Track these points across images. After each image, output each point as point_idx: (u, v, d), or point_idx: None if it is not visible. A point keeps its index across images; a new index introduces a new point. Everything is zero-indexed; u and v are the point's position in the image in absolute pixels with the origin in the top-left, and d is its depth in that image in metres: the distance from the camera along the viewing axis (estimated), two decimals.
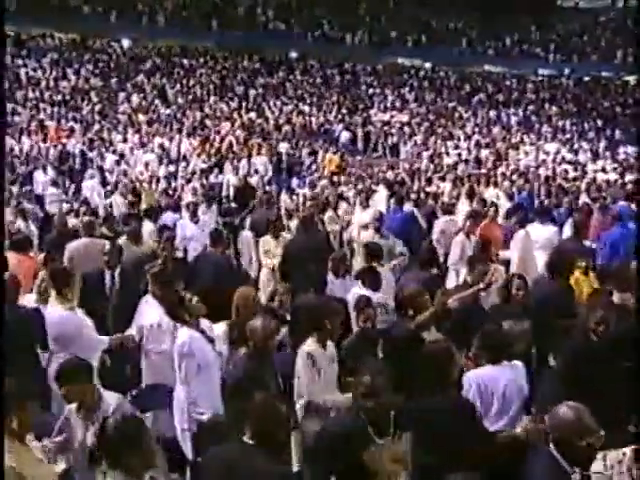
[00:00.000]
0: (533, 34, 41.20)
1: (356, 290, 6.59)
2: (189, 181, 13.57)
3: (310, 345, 5.12)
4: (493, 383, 4.69)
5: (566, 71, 39.18)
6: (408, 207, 10.66)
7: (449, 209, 10.36)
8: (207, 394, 5.05)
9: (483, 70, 38.65)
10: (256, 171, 15.85)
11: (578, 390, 4.42)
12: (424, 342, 5.12)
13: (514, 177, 15.74)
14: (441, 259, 8.96)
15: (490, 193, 12.90)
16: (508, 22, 40.08)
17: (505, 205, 11.68)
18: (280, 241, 8.50)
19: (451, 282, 8.13)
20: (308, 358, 5.03)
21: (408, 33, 39.08)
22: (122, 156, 16.34)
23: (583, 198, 13.24)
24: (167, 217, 10.08)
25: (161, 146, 18.08)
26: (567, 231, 9.75)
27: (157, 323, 5.73)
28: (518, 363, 4.91)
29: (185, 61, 31.72)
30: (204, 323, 5.54)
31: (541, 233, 9.24)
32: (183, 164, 16.04)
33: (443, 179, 15.17)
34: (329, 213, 10.42)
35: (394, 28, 38.85)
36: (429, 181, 14.68)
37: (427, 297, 5.72)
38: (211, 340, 5.38)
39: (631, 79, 37.47)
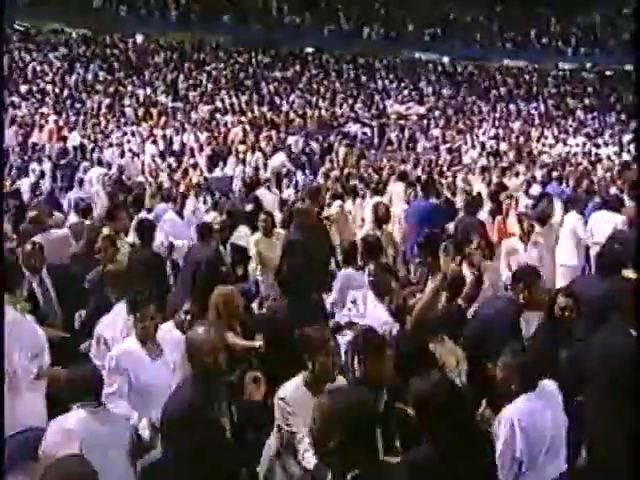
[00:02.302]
0: (553, 27, 40.34)
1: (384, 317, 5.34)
2: (186, 173, 12.89)
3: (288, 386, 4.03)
4: (540, 422, 3.67)
5: (588, 65, 38.29)
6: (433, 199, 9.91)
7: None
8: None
9: (502, 64, 37.82)
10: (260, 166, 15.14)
11: None
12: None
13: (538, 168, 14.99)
14: None
15: (513, 183, 12.19)
16: (528, 15, 39.25)
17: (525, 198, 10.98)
18: (274, 241, 7.71)
19: None
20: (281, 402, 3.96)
21: (425, 27, 38.32)
22: (122, 151, 15.71)
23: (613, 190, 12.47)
24: (159, 209, 9.41)
25: (164, 139, 17.53)
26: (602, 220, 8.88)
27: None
28: (552, 387, 3.89)
29: (197, 55, 31.18)
30: (165, 328, 4.85)
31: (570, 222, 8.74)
32: (186, 157, 15.41)
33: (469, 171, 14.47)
34: (336, 205, 9.62)
35: (411, 22, 38.12)
36: (441, 174, 13.93)
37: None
38: (157, 354, 4.60)
39: None
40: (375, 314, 5.34)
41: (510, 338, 4.36)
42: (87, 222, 7.32)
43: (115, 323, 4.84)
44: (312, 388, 3.89)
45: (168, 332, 4.90)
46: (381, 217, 8.01)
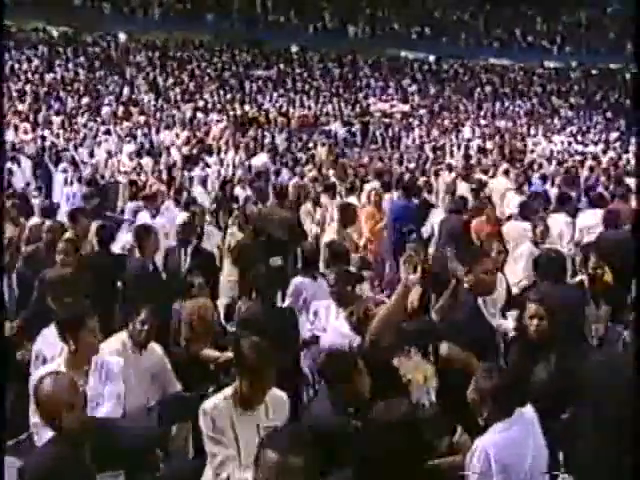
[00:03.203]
0: (539, 25, 40.21)
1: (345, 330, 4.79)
2: (162, 172, 12.51)
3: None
4: (517, 452, 3.27)
5: (573, 63, 38.22)
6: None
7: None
8: None
9: (488, 63, 37.66)
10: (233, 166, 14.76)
11: None
12: None
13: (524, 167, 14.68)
14: None
15: (498, 183, 11.85)
16: (513, 13, 39.12)
17: (515, 197, 10.67)
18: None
19: None
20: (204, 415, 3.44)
21: (411, 25, 38.08)
22: (92, 150, 15.29)
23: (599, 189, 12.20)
24: (130, 209, 9.04)
25: (144, 138, 17.13)
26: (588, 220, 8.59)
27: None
28: (531, 413, 3.42)
29: (180, 54, 30.80)
30: (111, 345, 4.42)
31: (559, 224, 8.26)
32: (164, 156, 15.03)
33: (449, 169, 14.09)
34: (307, 206, 9.22)
35: (397, 20, 37.89)
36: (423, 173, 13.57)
37: None
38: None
39: None
40: (336, 327, 4.90)
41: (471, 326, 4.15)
42: (47, 223, 6.90)
43: (56, 339, 4.13)
44: (240, 401, 3.42)
45: (111, 352, 4.29)
46: (347, 219, 7.61)
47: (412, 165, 15.07)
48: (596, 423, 3.56)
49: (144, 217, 8.14)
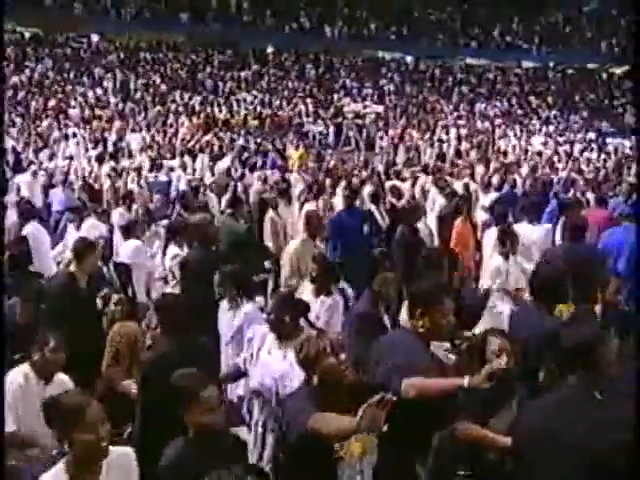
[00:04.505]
0: (516, 25, 40.07)
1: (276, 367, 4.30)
2: (119, 178, 11.94)
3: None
4: None
5: (551, 63, 38.14)
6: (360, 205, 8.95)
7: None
8: None
9: (465, 62, 37.45)
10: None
11: None
12: None
13: (494, 170, 14.25)
14: None
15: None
16: (490, 14, 38.95)
17: (484, 200, 10.30)
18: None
19: None
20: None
21: (388, 26, 37.78)
22: (52, 154, 14.71)
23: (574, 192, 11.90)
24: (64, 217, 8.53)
25: (108, 141, 16.59)
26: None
27: None
28: None
29: (150, 55, 30.26)
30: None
31: (530, 235, 7.51)
32: (128, 160, 14.48)
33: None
34: (269, 214, 8.51)
35: (374, 20, 37.57)
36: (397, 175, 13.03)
37: None
38: None
39: (617, 70, 36.66)
40: (267, 363, 4.24)
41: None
42: None
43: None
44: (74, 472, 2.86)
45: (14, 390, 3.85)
46: (314, 227, 6.89)
47: (381, 168, 14.54)
48: None
49: (71, 229, 7.67)
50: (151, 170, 13.31)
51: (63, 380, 4.18)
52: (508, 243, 6.63)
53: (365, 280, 5.70)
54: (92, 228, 7.74)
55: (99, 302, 5.14)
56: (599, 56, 38.07)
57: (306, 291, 5.59)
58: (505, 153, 20.57)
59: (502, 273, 6.43)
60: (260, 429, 4.26)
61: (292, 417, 3.20)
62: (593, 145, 24.15)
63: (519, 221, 7.93)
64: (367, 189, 10.13)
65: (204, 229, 6.40)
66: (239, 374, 4.64)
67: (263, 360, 4.42)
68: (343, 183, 10.82)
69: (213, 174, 13.39)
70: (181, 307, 4.44)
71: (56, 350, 4.07)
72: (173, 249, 6.94)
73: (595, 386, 2.88)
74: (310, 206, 8.87)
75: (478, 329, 5.23)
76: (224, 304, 5.40)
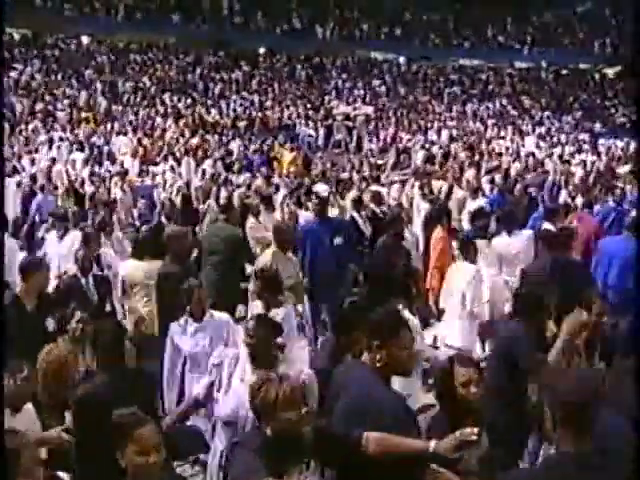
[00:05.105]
0: (509, 26, 39.98)
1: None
2: (103, 183, 11.74)
3: None
4: None
5: (543, 63, 38.04)
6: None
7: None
8: None
9: (458, 63, 37.31)
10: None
11: None
12: None
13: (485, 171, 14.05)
14: None
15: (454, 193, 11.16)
16: (483, 14, 38.83)
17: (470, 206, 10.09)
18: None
19: None
20: None
21: (380, 26, 37.63)
22: (33, 159, 14.44)
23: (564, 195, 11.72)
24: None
25: (95, 145, 16.37)
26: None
27: None
28: None
29: (142, 56, 30.00)
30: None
31: (509, 247, 7.24)
32: (115, 165, 14.25)
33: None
34: (250, 220, 8.32)
35: (366, 21, 37.41)
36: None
37: None
38: None
39: (609, 71, 36.63)
40: (240, 394, 3.72)
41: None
42: None
43: None
44: None
45: None
46: (283, 239, 6.59)
47: (366, 172, 14.29)
48: None
49: (51, 238, 7.47)
50: (139, 175, 13.13)
51: (29, 410, 3.85)
52: (470, 254, 6.52)
53: (331, 297, 5.50)
54: (76, 239, 7.52)
55: (53, 322, 4.89)
56: (592, 57, 38.00)
57: (256, 309, 5.33)
58: (498, 154, 20.38)
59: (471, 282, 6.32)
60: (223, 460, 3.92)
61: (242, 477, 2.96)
62: (586, 146, 24.00)
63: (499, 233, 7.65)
64: (351, 194, 9.88)
65: (176, 241, 6.16)
66: (198, 405, 4.17)
67: (235, 389, 4.06)
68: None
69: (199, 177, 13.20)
70: (114, 334, 4.17)
71: (28, 379, 3.77)
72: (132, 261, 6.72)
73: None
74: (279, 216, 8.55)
75: None
76: (181, 321, 5.19)
